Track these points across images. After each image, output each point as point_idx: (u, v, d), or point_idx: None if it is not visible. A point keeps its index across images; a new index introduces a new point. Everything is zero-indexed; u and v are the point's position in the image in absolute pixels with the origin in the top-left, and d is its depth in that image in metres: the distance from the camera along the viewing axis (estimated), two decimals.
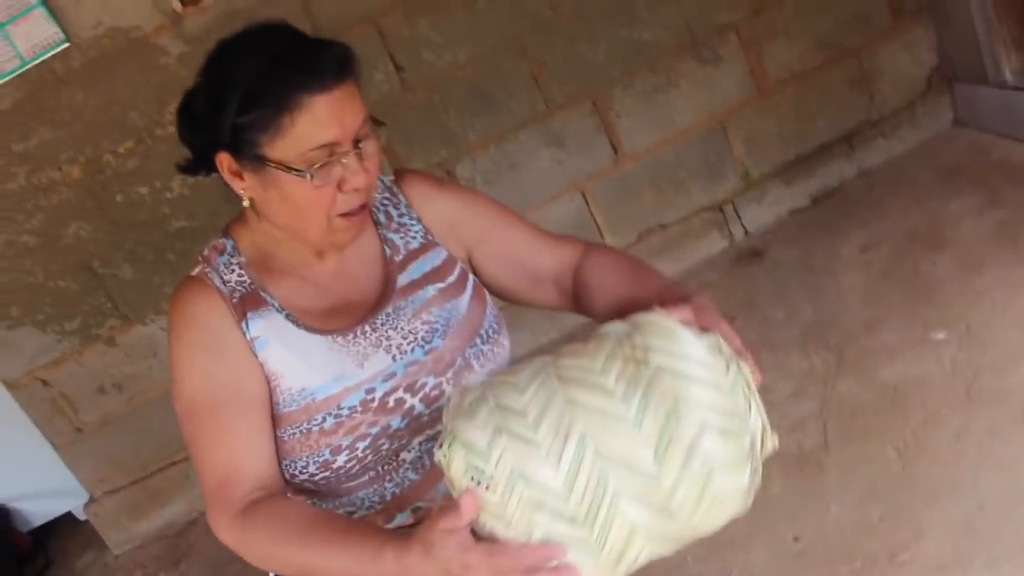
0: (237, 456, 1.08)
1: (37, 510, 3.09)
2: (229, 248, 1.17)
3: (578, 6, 2.64)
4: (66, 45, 2.44)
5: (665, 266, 2.85)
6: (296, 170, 1.04)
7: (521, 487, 0.82)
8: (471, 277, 1.23)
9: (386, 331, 1.15)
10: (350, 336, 1.13)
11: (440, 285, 1.19)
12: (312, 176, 1.04)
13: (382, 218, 1.23)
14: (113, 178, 2.58)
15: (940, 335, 2.15)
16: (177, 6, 2.46)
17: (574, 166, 2.78)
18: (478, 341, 1.17)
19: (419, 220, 1.23)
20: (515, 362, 1.10)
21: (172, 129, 1.19)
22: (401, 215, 1.24)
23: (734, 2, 2.72)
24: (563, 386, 0.86)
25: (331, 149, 1.04)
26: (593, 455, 0.82)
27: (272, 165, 1.05)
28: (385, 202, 1.24)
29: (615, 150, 2.79)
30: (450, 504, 0.85)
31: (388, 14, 2.56)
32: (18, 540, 3.04)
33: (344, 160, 1.05)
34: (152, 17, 2.46)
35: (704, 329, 0.92)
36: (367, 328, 1.14)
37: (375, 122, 1.10)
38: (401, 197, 1.25)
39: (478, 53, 2.63)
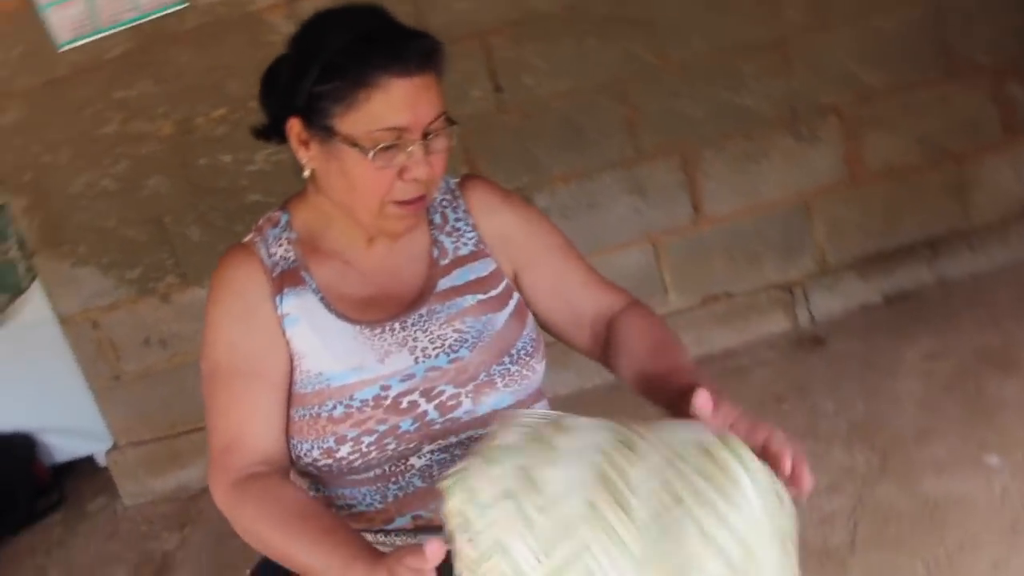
0: (245, 427, 1.10)
1: (62, 447, 3.13)
2: (283, 222, 1.20)
3: (685, 60, 2.62)
4: (184, 6, 2.51)
5: (725, 336, 2.81)
6: (360, 147, 1.05)
7: (499, 559, 0.76)
8: (515, 295, 1.22)
9: (415, 332, 1.14)
10: (378, 330, 1.13)
11: (481, 296, 1.18)
12: (374, 156, 1.05)
13: (438, 219, 1.22)
14: (201, 141, 2.63)
15: (993, 459, 2.05)
16: None
17: (651, 217, 2.75)
18: (507, 360, 1.15)
19: (474, 228, 1.23)
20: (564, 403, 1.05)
21: None
22: (458, 219, 1.23)
23: (842, 85, 2.67)
24: (593, 481, 0.78)
25: (399, 134, 1.05)
26: (582, 569, 0.75)
27: (339, 138, 1.06)
28: (445, 204, 1.24)
29: (695, 210, 2.76)
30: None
31: (498, 33, 2.58)
32: (39, 471, 3.09)
33: (410, 148, 1.06)
34: None
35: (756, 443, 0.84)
36: (396, 325, 1.14)
37: (449, 121, 1.10)
38: (461, 202, 1.24)
39: (578, 88, 2.63)
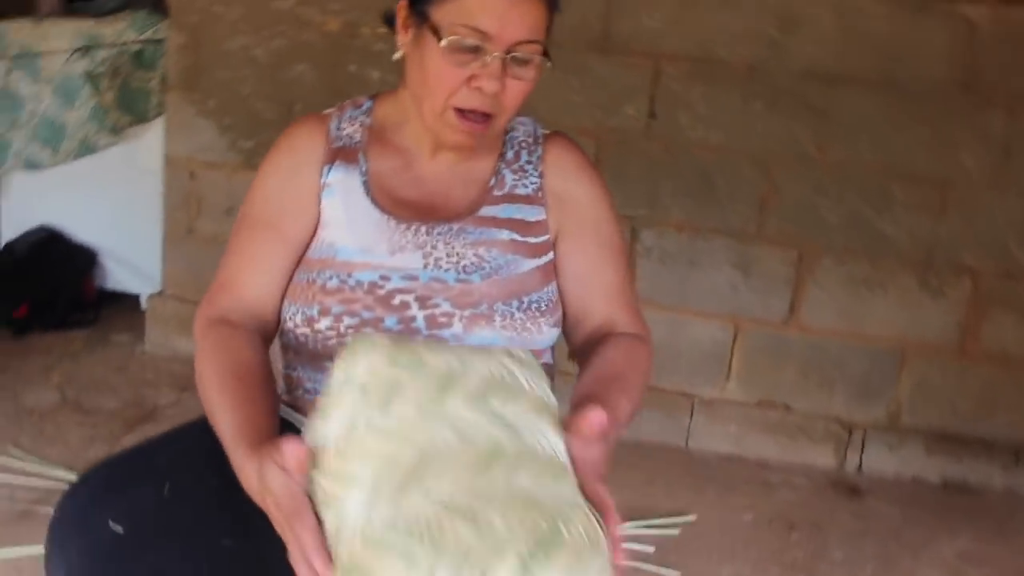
0: (244, 272, 1.12)
1: (116, 276, 3.22)
2: (364, 107, 1.21)
3: (842, 162, 2.52)
4: None
5: (765, 445, 2.68)
6: (441, 37, 1.04)
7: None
8: (551, 253, 1.18)
9: (436, 240, 1.12)
10: (403, 226, 1.12)
11: (517, 236, 1.15)
12: (448, 48, 1.03)
13: (510, 155, 1.20)
14: (358, 49, 2.66)
15: None
16: None
17: (745, 299, 2.64)
18: (515, 303, 1.11)
19: (541, 176, 1.20)
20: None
21: None
22: (528, 162, 1.20)
23: (990, 251, 2.52)
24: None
25: (482, 39, 1.03)
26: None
27: (428, 24, 1.05)
28: (523, 144, 1.22)
29: (791, 310, 2.64)
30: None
31: (673, 62, 2.53)
32: (87, 288, 3.18)
33: (487, 58, 1.04)
34: None
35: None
36: (423, 228, 1.12)
37: (544, 55, 1.08)
38: (540, 149, 1.22)
39: (727, 144, 2.56)
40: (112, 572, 0.91)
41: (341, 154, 1.17)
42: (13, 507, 2.00)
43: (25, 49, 3.20)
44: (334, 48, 2.68)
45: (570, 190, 1.20)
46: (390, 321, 1.07)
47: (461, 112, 1.08)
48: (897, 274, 2.57)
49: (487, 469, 0.76)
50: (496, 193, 1.18)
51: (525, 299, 1.12)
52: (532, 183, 1.19)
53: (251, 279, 1.11)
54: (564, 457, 0.82)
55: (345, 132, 1.19)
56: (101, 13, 3.25)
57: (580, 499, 0.79)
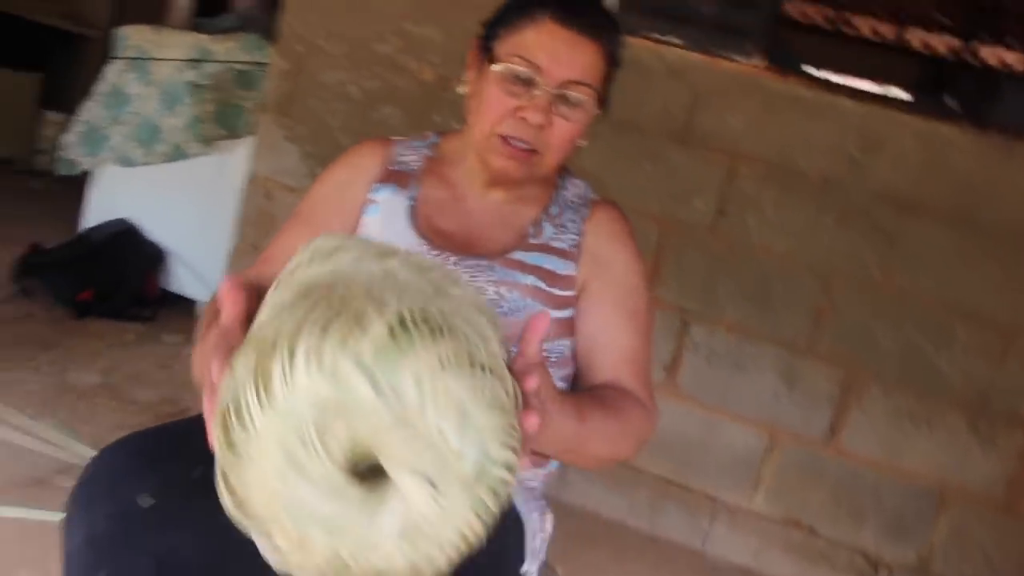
0: (277, 255, 1.15)
1: (180, 279, 3.33)
2: (430, 141, 1.28)
3: (905, 289, 2.47)
4: None
5: (781, 563, 2.59)
6: (496, 64, 1.11)
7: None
8: (574, 309, 1.18)
9: (464, 274, 1.13)
10: (435, 253, 1.15)
11: (542, 285, 1.15)
12: (500, 74, 1.10)
13: (554, 210, 1.22)
14: (447, 101, 2.73)
15: None
16: None
17: (785, 411, 2.58)
18: None
19: (580, 235, 1.21)
20: None
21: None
22: (571, 220, 1.22)
23: None
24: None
25: (534, 72, 1.09)
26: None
27: (489, 56, 1.13)
28: (571, 203, 1.24)
29: (832, 431, 2.56)
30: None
31: (749, 163, 2.53)
32: (151, 284, 3.29)
33: (536, 91, 1.09)
34: None
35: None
36: (453, 259, 1.15)
37: (598, 101, 1.12)
38: (586, 212, 1.23)
39: (791, 253, 2.53)
40: (133, 543, 0.93)
41: (395, 176, 1.22)
42: (33, 473, 2.05)
43: (142, 53, 3.38)
44: (425, 97, 2.76)
45: (605, 252, 1.21)
46: None
47: (505, 139, 1.12)
48: (946, 413, 2.49)
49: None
50: (532, 241, 1.19)
51: None
52: (570, 239, 1.20)
53: (281, 262, 1.13)
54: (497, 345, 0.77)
55: (405, 159, 1.25)
56: (218, 31, 3.42)
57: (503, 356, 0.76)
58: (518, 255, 1.17)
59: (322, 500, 0.68)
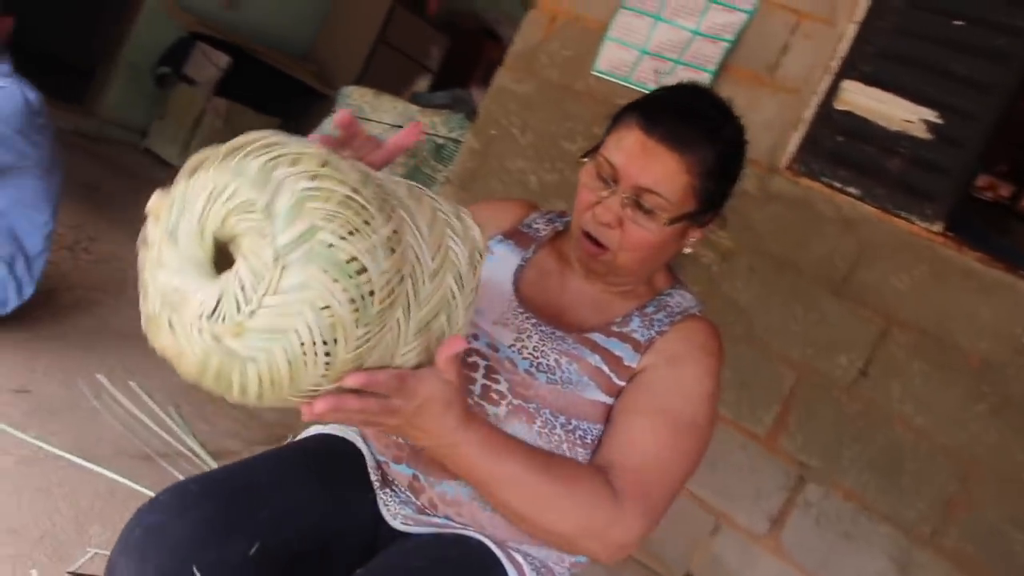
0: None
1: None
2: (565, 218, 1.34)
3: None
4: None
5: None
6: (583, 156, 1.18)
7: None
8: (617, 401, 1.15)
9: (536, 335, 1.17)
10: (521, 311, 1.19)
11: (605, 368, 1.16)
12: (582, 166, 1.18)
13: (650, 308, 1.23)
14: None
15: None
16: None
17: None
18: (561, 419, 1.12)
19: (659, 334, 1.19)
20: None
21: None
22: (661, 321, 1.21)
23: None
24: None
25: (614, 174, 1.13)
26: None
27: (595, 151, 1.18)
28: (669, 308, 1.23)
29: None
30: None
31: (905, 329, 2.40)
32: None
33: (605, 192, 1.13)
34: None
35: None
36: (534, 321, 1.18)
37: (674, 218, 1.13)
38: (679, 319, 1.22)
39: (933, 432, 2.35)
40: None
41: (518, 236, 1.30)
42: (143, 449, 2.21)
43: (358, 112, 3.68)
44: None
45: (675, 353, 1.17)
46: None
47: (585, 233, 1.17)
48: None
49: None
50: (614, 328, 1.20)
51: (574, 421, 1.12)
52: (649, 334, 1.19)
53: None
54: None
55: (537, 225, 1.32)
56: (430, 104, 3.69)
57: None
58: (595, 336, 1.19)
59: (173, 275, 0.79)
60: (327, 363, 0.79)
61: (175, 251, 0.80)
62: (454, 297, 0.91)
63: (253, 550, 1.01)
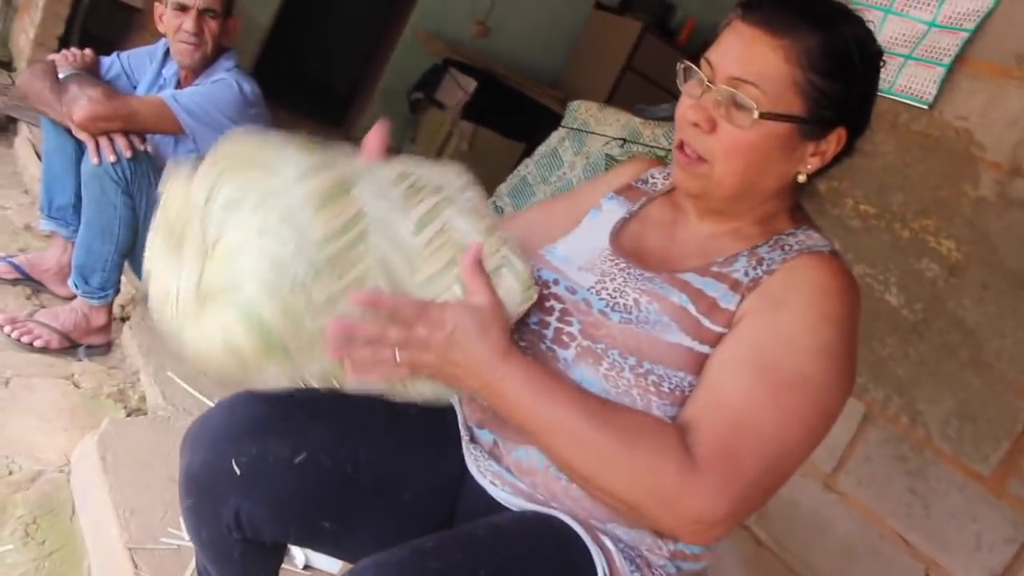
0: (520, 219, 1.35)
1: None
2: None
3: None
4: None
5: None
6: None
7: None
8: (711, 348, 1.01)
9: (620, 276, 1.09)
10: (612, 259, 1.12)
11: (691, 309, 1.03)
12: (684, 79, 1.06)
13: (764, 250, 1.07)
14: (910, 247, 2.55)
15: None
16: None
17: None
18: (631, 360, 1.00)
19: (765, 275, 1.04)
20: None
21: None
22: (772, 260, 1.05)
23: None
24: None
25: (708, 71, 1.02)
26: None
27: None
28: (788, 247, 1.07)
29: None
30: None
31: None
32: None
33: (698, 89, 1.03)
34: None
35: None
36: (623, 264, 1.10)
37: (773, 116, 0.99)
38: (794, 255, 1.05)
39: None
40: (215, 494, 1.05)
41: (629, 191, 1.24)
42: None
43: (583, 125, 3.68)
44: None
45: (782, 294, 1.01)
46: (532, 319, 1.06)
47: (680, 146, 1.07)
48: None
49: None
50: (712, 268, 1.07)
51: (646, 364, 1.00)
52: (755, 274, 1.05)
53: (529, 213, 1.33)
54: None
55: (655, 179, 1.26)
56: (653, 117, 3.61)
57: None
58: (688, 275, 1.07)
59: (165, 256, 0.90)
60: (294, 288, 0.84)
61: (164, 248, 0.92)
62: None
63: (299, 459, 1.01)
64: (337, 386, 0.93)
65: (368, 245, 0.86)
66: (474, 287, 0.92)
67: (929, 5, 2.48)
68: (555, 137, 3.82)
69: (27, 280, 2.56)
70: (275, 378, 0.89)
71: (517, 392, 0.92)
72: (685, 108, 1.06)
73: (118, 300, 2.45)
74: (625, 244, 1.15)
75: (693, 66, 1.05)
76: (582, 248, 1.15)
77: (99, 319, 2.34)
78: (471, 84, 5.24)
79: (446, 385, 0.96)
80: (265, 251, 0.82)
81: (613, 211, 1.21)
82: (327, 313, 0.85)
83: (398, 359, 0.89)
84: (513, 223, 1.29)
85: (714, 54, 1.03)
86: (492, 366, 0.91)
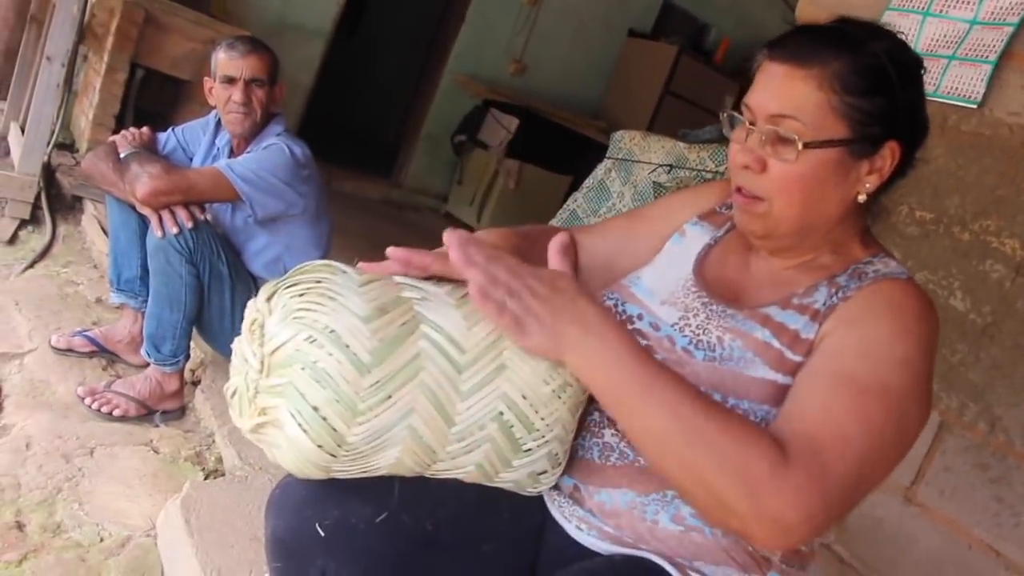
0: (596, 231, 1.32)
1: None
2: None
3: None
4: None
5: None
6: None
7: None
8: (792, 377, 1.01)
9: (703, 313, 1.11)
10: (694, 291, 1.14)
11: (775, 343, 1.04)
12: (727, 123, 1.09)
13: (842, 278, 1.08)
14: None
15: None
16: None
17: None
18: (715, 397, 1.01)
19: (840, 302, 1.05)
20: None
21: None
22: (846, 289, 1.06)
23: None
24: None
25: (748, 113, 1.05)
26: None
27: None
28: (864, 275, 1.07)
29: None
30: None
31: None
32: None
33: (743, 134, 1.06)
34: None
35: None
36: (706, 299, 1.12)
37: (818, 144, 1.01)
38: (863, 285, 1.06)
39: None
40: (301, 556, 1.05)
41: (713, 216, 1.25)
42: None
43: (628, 155, 3.70)
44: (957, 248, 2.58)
45: (860, 315, 1.01)
46: None
47: (738, 190, 1.09)
48: None
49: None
50: (793, 301, 1.08)
51: (731, 400, 1.01)
52: (832, 302, 1.05)
53: (594, 230, 1.31)
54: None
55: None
56: (697, 141, 3.61)
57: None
58: (770, 310, 1.08)
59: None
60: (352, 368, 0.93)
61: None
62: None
63: (380, 518, 1.02)
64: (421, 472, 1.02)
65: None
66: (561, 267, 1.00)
67: (969, 3, 2.45)
68: (601, 169, 3.84)
69: (102, 352, 2.64)
70: (345, 474, 0.99)
71: (618, 353, 0.91)
72: (734, 153, 1.08)
73: (189, 365, 2.52)
74: (707, 274, 1.17)
75: (735, 114, 1.08)
76: (665, 278, 1.17)
77: (172, 385, 2.41)
78: (513, 122, 5.30)
79: (545, 345, 0.92)
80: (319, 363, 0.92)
81: (697, 238, 1.22)
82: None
83: (509, 305, 0.91)
84: (594, 246, 1.28)
85: (751, 97, 1.06)
86: (600, 319, 0.92)
